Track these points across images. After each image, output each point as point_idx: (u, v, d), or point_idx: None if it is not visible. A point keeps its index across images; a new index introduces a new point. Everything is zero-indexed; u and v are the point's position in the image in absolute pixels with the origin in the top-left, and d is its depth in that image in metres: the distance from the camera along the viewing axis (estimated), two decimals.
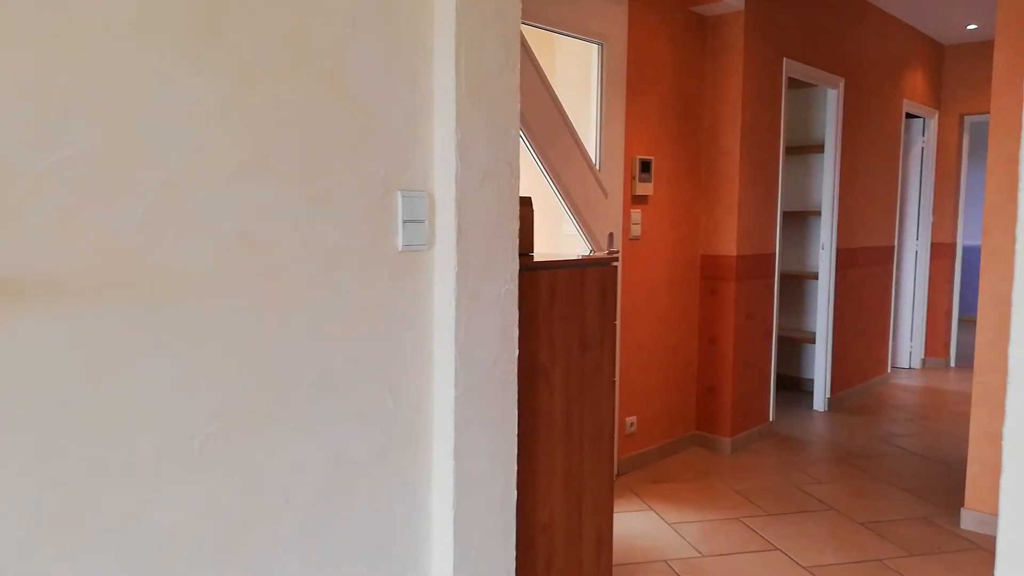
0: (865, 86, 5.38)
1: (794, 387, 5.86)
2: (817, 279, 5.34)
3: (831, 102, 5.02)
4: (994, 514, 3.13)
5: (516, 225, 1.90)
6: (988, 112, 6.51)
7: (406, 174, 1.72)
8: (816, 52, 4.73)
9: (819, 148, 5.43)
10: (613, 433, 2.40)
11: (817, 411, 5.17)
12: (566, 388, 2.22)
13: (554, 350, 2.17)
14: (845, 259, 5.27)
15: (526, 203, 2.38)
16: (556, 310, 2.17)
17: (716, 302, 4.17)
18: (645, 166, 3.72)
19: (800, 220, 5.81)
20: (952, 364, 6.88)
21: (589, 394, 2.31)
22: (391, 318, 1.70)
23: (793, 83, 5.66)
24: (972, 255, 9.81)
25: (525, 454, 2.11)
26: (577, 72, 3.62)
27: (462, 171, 1.76)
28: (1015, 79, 3.01)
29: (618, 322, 3.64)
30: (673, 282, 4.02)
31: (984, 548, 2.99)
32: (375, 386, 1.69)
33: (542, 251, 3.03)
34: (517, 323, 1.92)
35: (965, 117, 6.68)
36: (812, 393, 5.61)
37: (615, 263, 2.43)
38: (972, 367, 6.80)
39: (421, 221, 1.75)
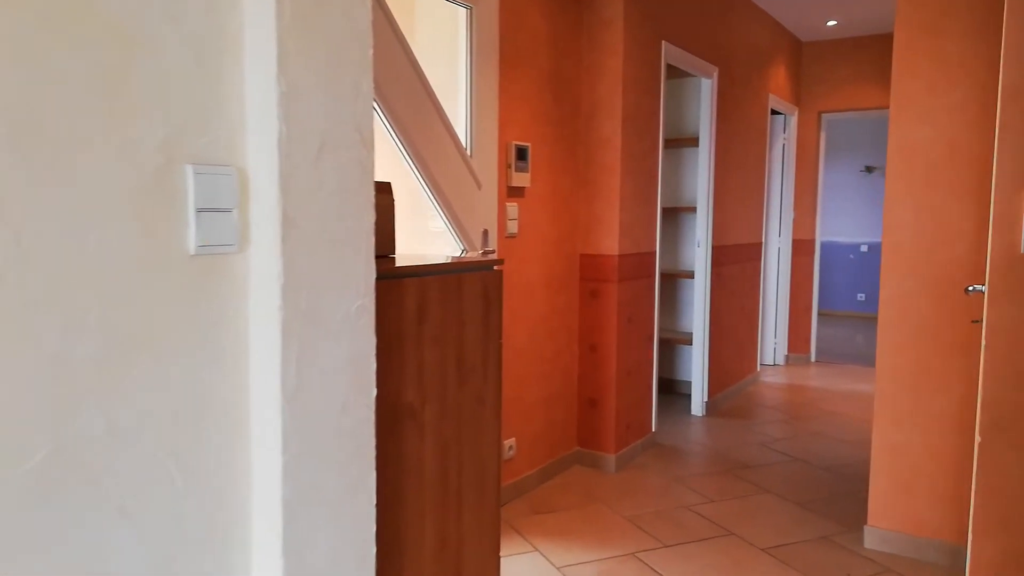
0: (737, 78, 5.22)
1: (668, 389, 5.64)
2: (692, 278, 5.13)
3: (706, 92, 4.80)
4: (900, 531, 2.92)
5: (371, 217, 1.36)
6: (845, 110, 6.62)
7: (201, 140, 1.14)
8: (692, 38, 4.47)
9: (691, 141, 5.21)
10: (499, 483, 1.92)
11: (695, 416, 4.94)
12: (440, 431, 1.71)
13: (424, 383, 1.65)
14: (719, 256, 5.08)
15: (385, 189, 1.84)
16: (427, 329, 1.65)
17: (597, 305, 3.79)
18: (521, 153, 3.27)
19: (672, 216, 5.60)
20: (813, 359, 6.97)
21: (469, 435, 1.80)
22: (180, 355, 1.12)
23: (666, 72, 5.42)
24: (826, 251, 10.18)
25: (388, 525, 1.57)
26: (442, 41, 3.10)
27: (289, 137, 1.20)
28: (916, 61, 2.80)
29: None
30: (552, 284, 3.60)
31: (893, 570, 2.77)
32: (152, 461, 1.10)
33: (405, 252, 2.48)
34: (374, 352, 1.39)
35: (823, 115, 6.77)
36: (688, 396, 5.41)
37: (499, 267, 1.94)
38: (832, 361, 6.92)
39: (227, 210, 1.18)
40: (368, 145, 1.37)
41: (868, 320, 9.78)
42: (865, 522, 3.08)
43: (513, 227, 3.27)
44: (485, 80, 3.05)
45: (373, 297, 1.38)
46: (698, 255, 4.87)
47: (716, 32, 4.80)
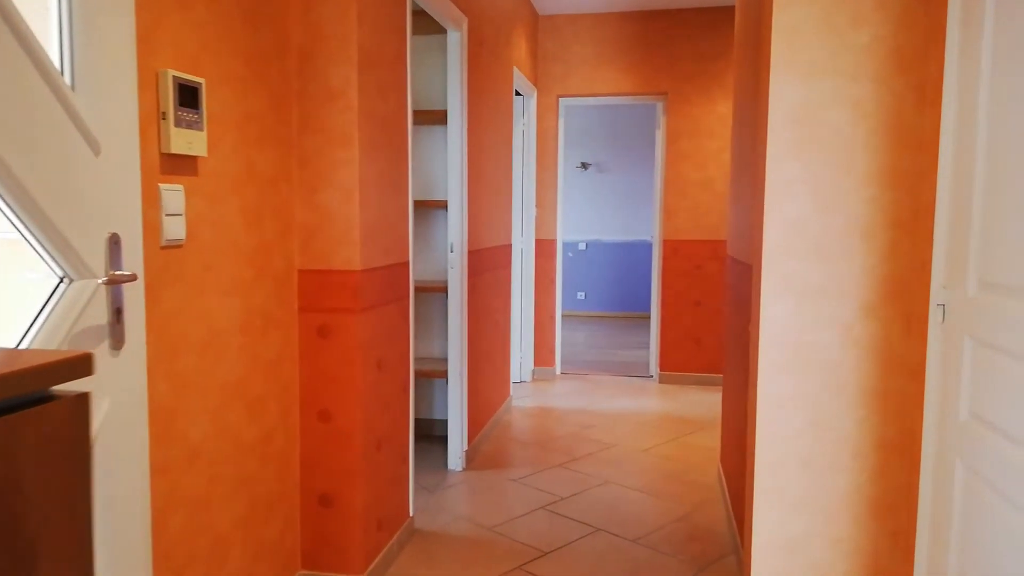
0: (486, 40, 4.17)
1: (416, 433, 4.42)
2: (444, 291, 3.97)
3: (454, 49, 3.66)
4: None
5: None
6: (584, 95, 5.95)
7: None
8: None
9: (434, 116, 4.04)
10: None
11: (455, 472, 3.80)
12: None
13: None
14: (475, 263, 4.00)
15: None
16: None
17: (329, 349, 2.45)
18: (189, 96, 1.81)
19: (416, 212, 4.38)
20: (558, 371, 6.25)
21: None
22: None
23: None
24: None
25: None
26: None
27: None
28: None
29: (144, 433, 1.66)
30: (252, 324, 2.18)
31: None
32: None
33: None
34: None
35: (561, 99, 6.05)
36: (441, 438, 4.26)
37: (78, 375, 0.57)
38: (576, 372, 6.25)
39: None
40: None
41: (589, 319, 9.55)
42: None
43: (176, 228, 1.80)
44: None
45: None
46: (451, 262, 3.73)
47: None
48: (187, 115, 1.80)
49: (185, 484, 1.88)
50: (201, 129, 1.86)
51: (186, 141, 1.80)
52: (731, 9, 5.64)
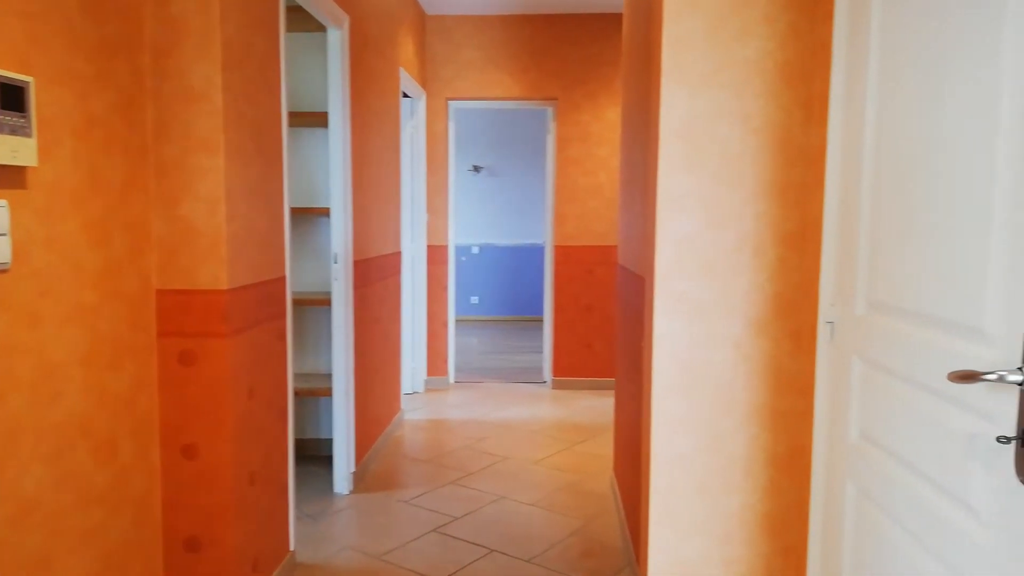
0: (369, 39, 3.99)
1: (298, 452, 4.19)
2: (327, 304, 3.76)
3: (335, 49, 3.46)
4: None
5: None
6: (473, 99, 5.85)
7: None
8: None
9: (313, 119, 3.82)
10: None
11: (341, 496, 3.60)
12: None
13: None
14: (362, 274, 3.81)
15: None
16: None
17: (193, 378, 2.22)
18: (13, 96, 1.56)
19: (294, 221, 4.14)
20: (452, 380, 6.12)
21: None
22: None
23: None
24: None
25: None
26: None
27: None
28: None
29: None
30: (99, 355, 1.93)
31: None
32: None
33: None
34: None
35: (450, 102, 5.92)
36: (325, 458, 4.04)
37: None
38: (470, 381, 6.14)
39: None
40: None
41: (483, 324, 9.49)
42: None
43: None
44: None
45: None
46: (335, 273, 3.53)
47: None
48: (11, 119, 1.55)
49: (15, 544, 1.62)
50: (30, 135, 1.61)
51: (10, 149, 1.55)
52: (619, 16, 5.68)
